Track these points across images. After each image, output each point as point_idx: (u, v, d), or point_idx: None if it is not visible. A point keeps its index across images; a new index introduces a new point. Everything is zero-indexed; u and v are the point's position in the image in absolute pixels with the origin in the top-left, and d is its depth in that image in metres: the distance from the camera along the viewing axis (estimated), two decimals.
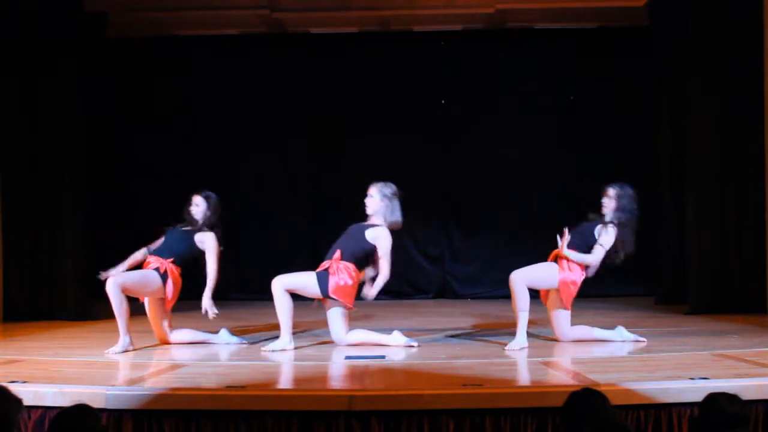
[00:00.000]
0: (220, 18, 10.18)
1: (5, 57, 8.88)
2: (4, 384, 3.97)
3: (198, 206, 6.96)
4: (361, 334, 6.72)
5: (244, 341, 6.99)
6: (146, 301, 6.86)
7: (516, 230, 10.48)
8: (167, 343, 6.90)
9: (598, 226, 6.71)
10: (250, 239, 10.42)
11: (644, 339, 6.68)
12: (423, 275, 10.92)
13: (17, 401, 3.59)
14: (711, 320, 7.93)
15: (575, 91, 10.73)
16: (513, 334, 6.66)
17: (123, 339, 6.59)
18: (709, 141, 8.66)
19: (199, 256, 6.90)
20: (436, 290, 10.89)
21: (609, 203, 6.74)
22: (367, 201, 6.76)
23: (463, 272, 10.95)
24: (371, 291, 6.66)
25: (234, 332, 7.13)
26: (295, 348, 6.53)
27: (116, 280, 6.58)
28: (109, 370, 5.74)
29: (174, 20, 10.23)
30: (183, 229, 6.97)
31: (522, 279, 6.50)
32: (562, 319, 6.69)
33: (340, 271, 6.56)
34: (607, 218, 6.70)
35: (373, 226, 6.75)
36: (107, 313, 8.75)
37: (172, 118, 10.81)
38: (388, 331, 6.81)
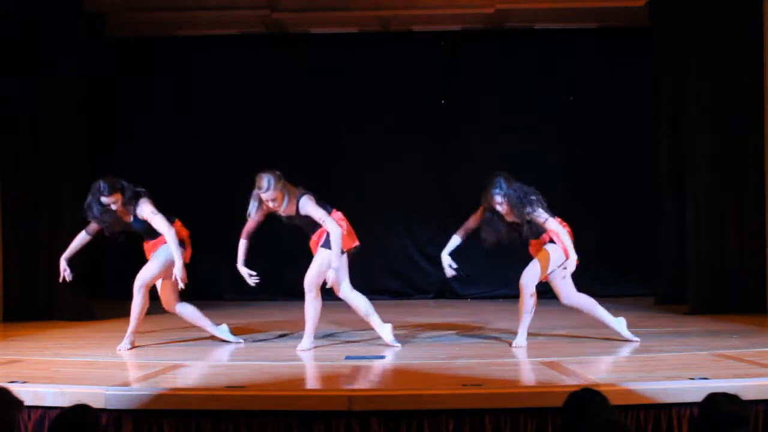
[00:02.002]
0: (220, 18, 10.17)
1: (5, 57, 8.88)
2: (5, 385, 3.98)
3: (116, 201, 6.59)
4: (363, 304, 6.68)
5: (240, 341, 6.99)
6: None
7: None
8: (172, 312, 6.88)
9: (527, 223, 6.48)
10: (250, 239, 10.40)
11: (638, 339, 6.67)
12: (423, 275, 10.91)
13: (18, 402, 3.59)
14: (711, 320, 7.93)
15: (575, 91, 10.72)
16: (513, 334, 6.69)
17: (130, 336, 6.64)
18: (709, 141, 8.66)
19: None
20: (436, 290, 10.88)
21: (504, 208, 6.48)
22: (267, 197, 6.47)
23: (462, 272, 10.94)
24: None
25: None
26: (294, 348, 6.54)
27: (144, 280, 6.60)
28: (109, 370, 5.74)
29: (174, 20, 10.22)
30: (130, 221, 6.75)
31: (532, 282, 6.50)
32: (567, 285, 6.61)
33: (338, 224, 6.51)
34: (518, 219, 6.47)
35: (296, 208, 6.56)
36: (107, 313, 8.81)
37: (172, 118, 10.81)
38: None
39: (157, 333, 7.52)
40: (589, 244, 10.64)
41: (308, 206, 6.48)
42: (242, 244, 6.72)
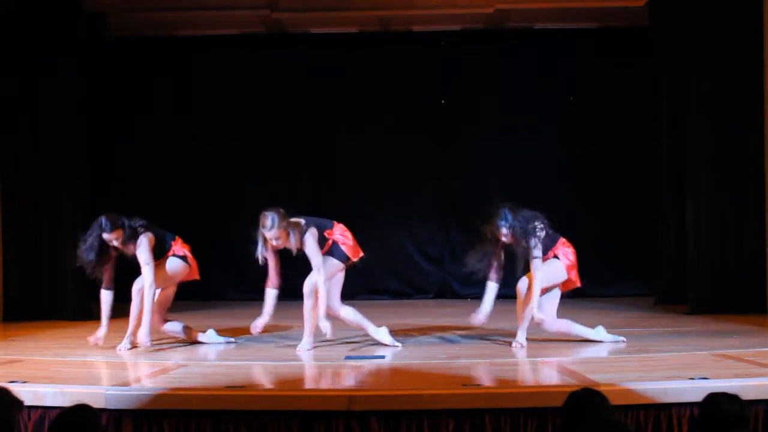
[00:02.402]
0: (220, 18, 10.17)
1: (5, 57, 8.88)
2: (5, 385, 3.98)
3: (117, 238, 6.60)
4: (352, 316, 6.73)
5: (231, 340, 7.01)
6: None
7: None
8: (158, 330, 6.89)
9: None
10: (250, 239, 10.40)
11: (623, 338, 6.67)
12: (423, 275, 10.92)
13: (18, 403, 3.59)
14: (711, 320, 7.93)
15: (575, 91, 10.73)
16: (513, 334, 6.70)
17: (129, 336, 6.66)
18: (709, 141, 8.66)
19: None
20: (436, 290, 10.89)
21: (509, 239, 6.46)
22: (271, 236, 6.50)
23: (463, 272, 10.94)
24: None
25: (224, 333, 7.15)
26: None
27: (140, 286, 6.63)
28: (109, 370, 5.74)
29: (174, 20, 10.22)
30: (133, 254, 6.72)
31: (538, 293, 6.49)
32: (551, 303, 6.62)
33: (342, 235, 6.63)
34: (519, 244, 6.45)
35: (300, 245, 6.60)
36: None
37: (172, 118, 10.80)
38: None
39: (157, 333, 7.51)
40: (589, 244, 10.67)
41: (308, 245, 6.51)
42: (268, 294, 6.73)
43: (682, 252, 9.08)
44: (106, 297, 6.76)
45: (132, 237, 6.65)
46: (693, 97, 8.74)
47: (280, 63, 10.84)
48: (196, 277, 6.90)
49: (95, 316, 8.77)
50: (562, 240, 6.67)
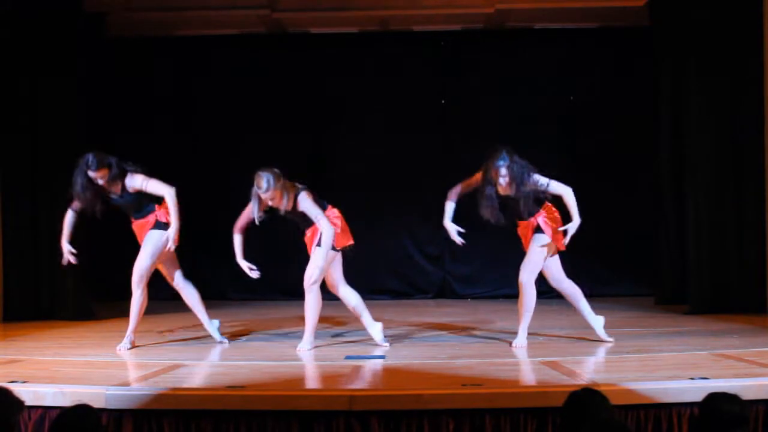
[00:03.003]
0: (220, 18, 10.17)
1: (5, 57, 8.88)
2: (6, 385, 3.98)
3: (103, 177, 6.56)
4: (356, 301, 6.69)
5: (225, 341, 6.97)
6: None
7: (516, 230, 10.46)
8: (175, 287, 6.94)
9: (525, 196, 6.49)
10: (250, 238, 10.40)
11: (612, 339, 6.69)
12: (423, 275, 10.92)
13: (18, 402, 3.59)
14: (711, 320, 7.94)
15: (575, 91, 10.72)
16: (513, 333, 6.70)
17: (130, 336, 6.68)
18: (709, 141, 8.66)
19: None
20: (436, 290, 10.89)
21: (506, 180, 6.44)
22: (266, 197, 6.51)
23: (463, 272, 10.95)
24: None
25: (224, 334, 7.16)
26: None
27: (141, 272, 6.61)
28: (109, 370, 5.74)
29: (174, 20, 10.22)
30: (115, 197, 6.70)
31: (531, 278, 6.53)
32: (555, 266, 6.68)
33: (332, 223, 6.55)
34: (515, 186, 6.45)
35: (294, 204, 6.58)
36: (107, 313, 8.82)
37: (172, 118, 10.81)
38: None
39: (157, 333, 7.52)
40: (589, 244, 10.67)
41: (305, 203, 6.51)
42: (237, 239, 6.74)
43: (682, 252, 9.08)
44: (69, 219, 6.78)
45: (119, 176, 6.59)
46: (693, 97, 8.74)
47: (280, 63, 10.84)
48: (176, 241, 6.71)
49: (95, 316, 8.83)
50: (547, 204, 6.65)
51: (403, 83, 10.76)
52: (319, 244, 6.51)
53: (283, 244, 10.55)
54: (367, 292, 10.67)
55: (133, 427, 4.66)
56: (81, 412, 3.50)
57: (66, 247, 6.80)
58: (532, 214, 6.59)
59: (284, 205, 6.54)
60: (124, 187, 6.63)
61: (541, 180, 6.47)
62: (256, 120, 10.83)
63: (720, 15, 8.64)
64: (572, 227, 6.49)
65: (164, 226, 6.68)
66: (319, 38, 10.71)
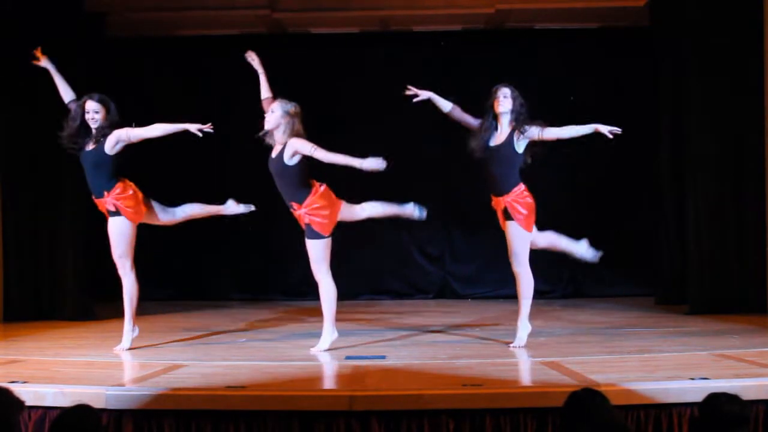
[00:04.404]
0: (220, 18, 10.17)
1: (5, 57, 8.88)
2: (6, 385, 3.98)
3: (98, 113, 6.67)
4: (330, 294, 6.57)
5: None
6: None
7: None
8: (174, 220, 7.03)
9: (517, 134, 6.73)
10: (250, 239, 10.42)
11: (600, 252, 6.94)
12: (423, 275, 10.92)
13: (19, 402, 3.60)
14: (711, 320, 7.94)
15: (575, 91, 10.71)
16: (513, 333, 6.69)
17: (128, 332, 6.66)
18: (709, 141, 8.66)
19: (124, 153, 6.74)
20: (436, 290, 10.89)
21: (506, 102, 6.82)
22: (268, 117, 6.63)
23: (463, 272, 10.95)
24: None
25: (226, 335, 7.16)
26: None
27: (122, 258, 6.61)
28: (109, 370, 5.74)
29: (174, 20, 10.21)
30: (89, 149, 6.70)
31: (523, 267, 6.60)
32: (534, 239, 6.76)
33: (312, 215, 6.54)
34: (512, 117, 6.77)
35: (282, 150, 6.61)
36: (107, 313, 8.82)
37: (172, 118, 10.77)
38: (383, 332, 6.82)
39: (157, 333, 7.52)
40: (589, 244, 10.67)
41: (298, 142, 6.50)
42: None
43: (682, 252, 9.08)
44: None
45: (112, 126, 6.61)
46: (693, 97, 8.74)
47: (280, 63, 10.80)
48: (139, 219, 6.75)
49: (95, 316, 8.83)
50: (520, 185, 6.71)
51: (403, 83, 10.74)
52: (309, 237, 6.46)
53: (283, 244, 10.58)
54: (368, 293, 10.75)
55: (133, 427, 4.67)
56: (81, 412, 3.50)
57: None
58: (506, 187, 6.64)
59: (278, 138, 6.55)
60: (102, 145, 6.62)
61: (534, 128, 6.67)
62: (256, 120, 10.80)
63: (720, 15, 8.64)
64: (601, 127, 6.74)
65: (117, 213, 6.64)
66: (319, 38, 10.71)
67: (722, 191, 8.66)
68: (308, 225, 6.53)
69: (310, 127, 10.80)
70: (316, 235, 6.51)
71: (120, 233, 6.66)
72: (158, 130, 6.60)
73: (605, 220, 10.56)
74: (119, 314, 8.17)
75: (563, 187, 10.65)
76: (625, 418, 4.57)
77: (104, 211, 6.77)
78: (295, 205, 6.58)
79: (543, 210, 10.36)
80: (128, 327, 6.69)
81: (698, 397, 3.89)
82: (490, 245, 10.18)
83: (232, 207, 6.95)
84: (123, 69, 10.64)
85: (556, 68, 10.64)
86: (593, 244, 10.47)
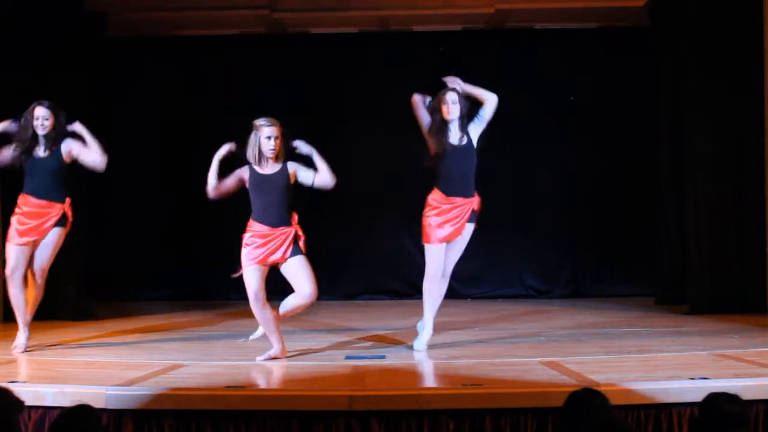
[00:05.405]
0: (220, 18, 10.17)
1: (5, 57, 8.88)
2: (6, 385, 3.98)
3: (47, 119, 6.56)
4: (282, 311, 6.59)
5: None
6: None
7: (516, 230, 10.48)
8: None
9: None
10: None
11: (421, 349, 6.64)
12: (423, 275, 10.89)
13: (19, 402, 3.59)
14: (711, 320, 7.94)
15: (575, 91, 10.72)
16: (514, 334, 6.70)
17: (23, 334, 6.60)
18: (709, 141, 8.66)
19: (73, 164, 6.67)
20: None
21: (455, 109, 6.87)
22: (275, 143, 6.75)
23: (463, 272, 10.91)
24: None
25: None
26: (294, 348, 6.53)
27: (42, 271, 6.68)
28: (109, 370, 5.74)
29: (174, 20, 10.21)
30: (40, 157, 6.60)
31: (428, 278, 6.94)
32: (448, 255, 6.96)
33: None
34: (461, 123, 6.89)
35: (283, 170, 6.74)
36: (107, 313, 8.82)
37: (171, 118, 10.80)
38: (384, 328, 6.81)
39: (157, 333, 7.52)
40: (590, 244, 10.68)
41: (297, 166, 6.66)
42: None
43: (682, 252, 9.08)
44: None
45: (60, 135, 6.56)
46: (693, 97, 8.74)
47: (280, 63, 10.84)
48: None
49: (95, 316, 8.82)
50: (434, 189, 6.84)
51: (403, 83, 10.73)
52: (299, 253, 6.47)
53: None
54: (368, 292, 10.75)
55: (133, 427, 4.66)
56: (81, 412, 3.50)
57: None
58: (472, 188, 6.88)
59: (274, 158, 6.68)
60: (57, 150, 6.58)
61: (475, 121, 6.83)
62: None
63: (720, 15, 8.64)
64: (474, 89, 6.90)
65: (65, 221, 6.63)
66: (319, 38, 10.71)
67: (722, 191, 8.66)
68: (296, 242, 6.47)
69: (310, 127, 10.85)
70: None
71: (59, 245, 6.71)
72: (96, 153, 6.62)
73: (605, 220, 10.56)
74: (118, 314, 8.20)
75: (563, 188, 10.66)
76: (625, 418, 4.57)
77: (38, 215, 6.63)
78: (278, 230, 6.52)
79: (543, 210, 10.43)
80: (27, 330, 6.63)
81: (698, 397, 3.89)
82: (490, 245, 10.20)
83: (25, 336, 6.63)
84: (123, 69, 10.64)
85: (556, 68, 10.64)
86: (593, 244, 10.55)
